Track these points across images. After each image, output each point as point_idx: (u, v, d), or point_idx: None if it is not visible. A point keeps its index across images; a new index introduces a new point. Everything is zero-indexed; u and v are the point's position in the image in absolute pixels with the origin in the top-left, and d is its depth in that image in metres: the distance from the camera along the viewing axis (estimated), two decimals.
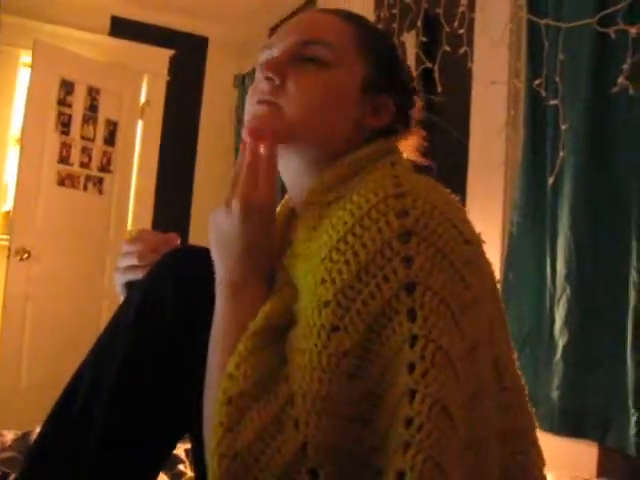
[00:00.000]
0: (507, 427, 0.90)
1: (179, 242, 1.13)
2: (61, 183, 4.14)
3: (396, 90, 1.05)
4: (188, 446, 1.76)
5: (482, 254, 0.88)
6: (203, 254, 0.98)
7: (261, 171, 0.91)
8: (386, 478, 0.74)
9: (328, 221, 0.86)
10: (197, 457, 1.04)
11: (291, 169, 1.02)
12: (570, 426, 2.01)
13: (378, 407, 0.78)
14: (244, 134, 0.98)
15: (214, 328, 0.89)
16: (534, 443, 0.95)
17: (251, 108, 1.01)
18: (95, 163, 4.29)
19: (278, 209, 1.10)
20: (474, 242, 0.85)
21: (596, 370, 1.96)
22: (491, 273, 0.90)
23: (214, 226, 0.92)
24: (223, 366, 0.84)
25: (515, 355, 0.96)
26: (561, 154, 2.10)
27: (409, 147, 1.09)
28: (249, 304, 0.88)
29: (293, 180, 1.04)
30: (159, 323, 0.94)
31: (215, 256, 0.92)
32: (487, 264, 0.89)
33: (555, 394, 2.03)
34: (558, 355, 2.03)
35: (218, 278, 0.91)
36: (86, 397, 0.94)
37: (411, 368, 0.74)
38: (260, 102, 0.99)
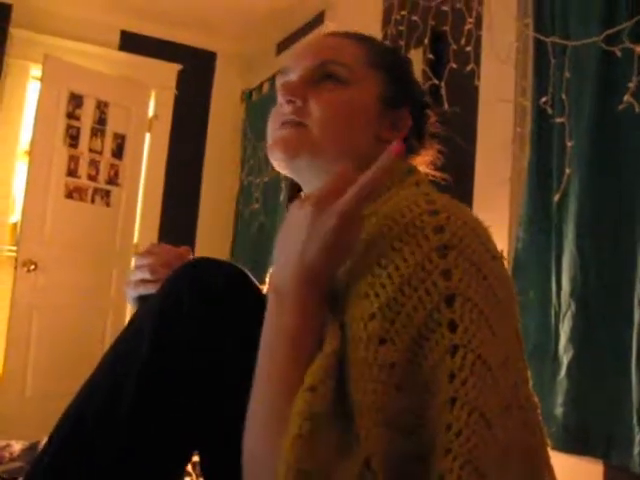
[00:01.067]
0: (526, 443, 0.91)
1: (191, 256, 1.14)
2: (69, 195, 4.17)
3: (411, 104, 1.08)
4: (194, 459, 1.76)
5: (506, 271, 0.90)
6: (219, 266, 0.99)
7: (355, 187, 0.86)
8: None
9: (363, 236, 0.87)
10: (211, 470, 1.03)
11: (315, 184, 1.03)
12: (575, 443, 2.00)
13: (421, 418, 0.79)
14: (270, 155, 1.03)
15: (266, 335, 0.86)
16: (547, 462, 0.96)
17: (275, 132, 1.04)
18: (103, 176, 4.32)
19: None
20: (499, 259, 0.87)
21: (601, 387, 1.96)
22: (513, 291, 0.92)
23: (286, 220, 0.90)
24: (276, 374, 0.83)
25: (529, 373, 0.97)
26: (567, 171, 2.11)
27: (424, 163, 1.12)
28: (304, 310, 0.85)
29: (315, 185, 1.05)
30: (178, 336, 0.93)
31: (276, 252, 0.90)
32: (510, 281, 0.91)
33: (560, 411, 2.03)
34: (563, 372, 2.03)
35: (273, 278, 0.89)
36: (100, 412, 0.93)
37: (452, 377, 0.76)
38: (284, 124, 1.03)
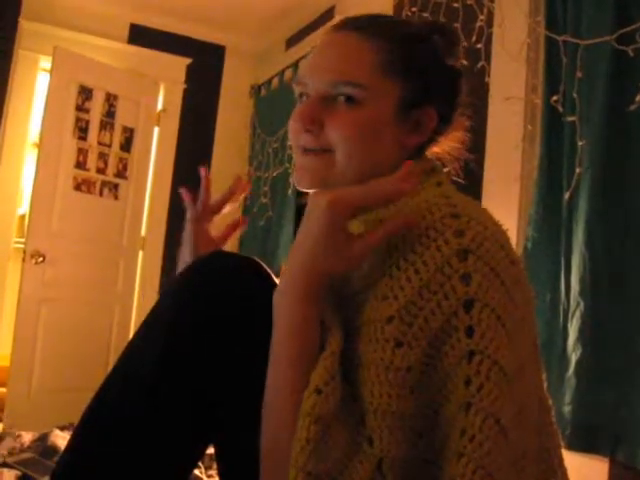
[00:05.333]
0: (537, 447, 0.91)
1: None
2: (77, 188, 4.17)
3: (437, 95, 1.03)
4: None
5: (524, 276, 0.90)
6: (237, 259, 0.99)
7: (361, 187, 0.87)
8: None
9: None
10: (226, 459, 1.03)
11: None
12: (582, 441, 2.01)
13: (434, 421, 0.80)
14: (296, 181, 1.03)
15: (273, 330, 0.87)
16: (560, 463, 0.97)
17: (298, 157, 1.03)
18: (111, 169, 4.32)
19: None
20: (517, 263, 0.87)
21: (608, 385, 1.96)
22: (531, 295, 0.92)
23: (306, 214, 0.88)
24: (289, 376, 0.84)
25: (544, 375, 0.98)
26: (577, 170, 2.11)
27: (453, 142, 1.09)
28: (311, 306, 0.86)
29: None
30: (194, 329, 0.93)
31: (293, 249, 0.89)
32: (528, 285, 0.91)
33: (567, 409, 2.03)
34: (571, 370, 2.04)
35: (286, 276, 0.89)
36: (116, 402, 0.92)
37: (467, 382, 0.77)
38: (307, 151, 1.01)
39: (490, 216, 0.89)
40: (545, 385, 0.97)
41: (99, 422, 0.93)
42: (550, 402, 0.98)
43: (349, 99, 0.97)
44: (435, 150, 1.10)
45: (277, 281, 1.03)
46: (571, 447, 2.00)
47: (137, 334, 0.99)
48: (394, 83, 0.99)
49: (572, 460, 1.97)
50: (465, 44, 2.65)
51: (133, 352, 0.97)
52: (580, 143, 2.11)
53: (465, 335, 0.78)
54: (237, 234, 1.13)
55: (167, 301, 0.98)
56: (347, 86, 0.97)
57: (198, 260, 1.01)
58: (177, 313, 0.95)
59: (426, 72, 1.02)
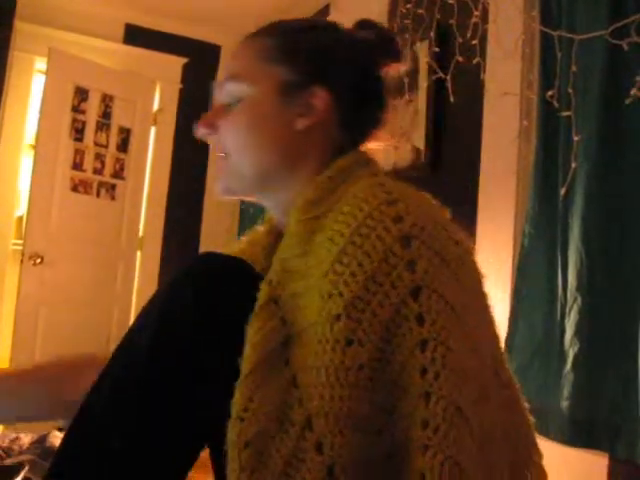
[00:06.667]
0: (508, 423, 0.90)
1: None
2: (74, 189, 4.18)
3: (326, 75, 1.01)
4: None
5: (470, 254, 0.89)
6: (225, 261, 0.98)
7: None
8: None
9: (322, 235, 0.85)
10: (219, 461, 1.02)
11: (265, 191, 1.04)
12: (580, 437, 2.01)
13: (393, 415, 0.78)
14: None
15: None
16: (530, 436, 0.96)
17: None
18: (108, 170, 4.33)
19: (263, 228, 1.13)
20: (462, 243, 0.86)
21: (606, 381, 1.96)
22: (479, 274, 0.90)
23: None
24: None
25: (505, 355, 0.96)
26: (573, 165, 2.11)
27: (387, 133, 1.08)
28: None
29: (270, 200, 1.06)
30: (181, 331, 0.91)
31: None
32: (475, 264, 0.90)
33: (565, 404, 2.03)
34: (568, 366, 2.03)
35: None
36: (106, 405, 0.92)
37: (424, 372, 0.75)
38: (217, 159, 1.05)
39: (429, 199, 0.89)
40: (506, 362, 0.95)
41: (92, 415, 0.92)
42: (514, 378, 0.96)
43: (232, 98, 1.01)
44: (370, 147, 1.08)
45: None
46: (570, 443, 2.00)
47: (134, 324, 0.98)
48: (274, 69, 1.01)
49: (571, 455, 1.98)
50: (460, 40, 2.65)
51: (127, 341, 0.97)
52: (576, 138, 2.10)
53: (416, 323, 0.76)
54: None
55: (161, 295, 0.97)
56: (229, 82, 1.02)
57: (194, 258, 1.01)
58: (164, 316, 0.93)
59: (313, 57, 1.02)
